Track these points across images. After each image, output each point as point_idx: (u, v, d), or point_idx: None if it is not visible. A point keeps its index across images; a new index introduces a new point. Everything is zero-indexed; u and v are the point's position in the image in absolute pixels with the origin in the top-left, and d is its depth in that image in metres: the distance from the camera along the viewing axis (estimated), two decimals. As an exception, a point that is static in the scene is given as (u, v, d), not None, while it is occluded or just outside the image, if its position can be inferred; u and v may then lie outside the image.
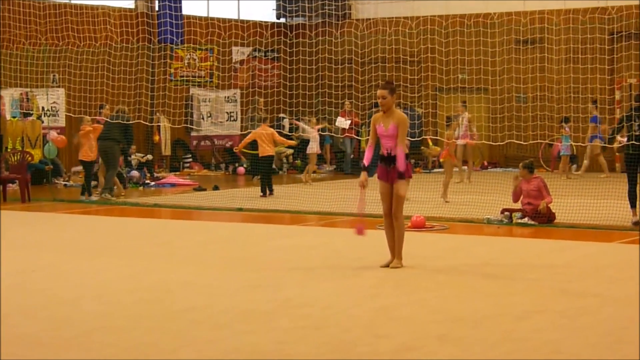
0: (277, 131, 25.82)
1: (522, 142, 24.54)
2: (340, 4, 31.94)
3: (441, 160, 20.58)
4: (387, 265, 11.49)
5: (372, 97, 27.96)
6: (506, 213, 16.42)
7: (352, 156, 29.57)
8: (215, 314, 9.13)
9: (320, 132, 26.21)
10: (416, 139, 24.91)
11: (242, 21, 31.68)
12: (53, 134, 24.86)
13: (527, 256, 12.90)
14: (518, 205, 16.53)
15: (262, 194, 21.78)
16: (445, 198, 19.64)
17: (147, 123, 27.46)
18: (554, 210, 16.30)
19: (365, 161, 11.62)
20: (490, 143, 26.04)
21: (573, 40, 27.04)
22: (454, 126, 22.92)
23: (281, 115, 30.67)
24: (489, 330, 8.39)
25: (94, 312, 9.27)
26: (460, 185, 23.10)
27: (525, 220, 16.19)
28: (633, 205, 15.93)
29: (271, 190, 21.95)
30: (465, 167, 24.88)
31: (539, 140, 26.50)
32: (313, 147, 25.58)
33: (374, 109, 26.75)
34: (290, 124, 30.41)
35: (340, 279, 10.85)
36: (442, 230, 15.67)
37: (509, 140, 25.08)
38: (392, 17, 30.35)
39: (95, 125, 21.62)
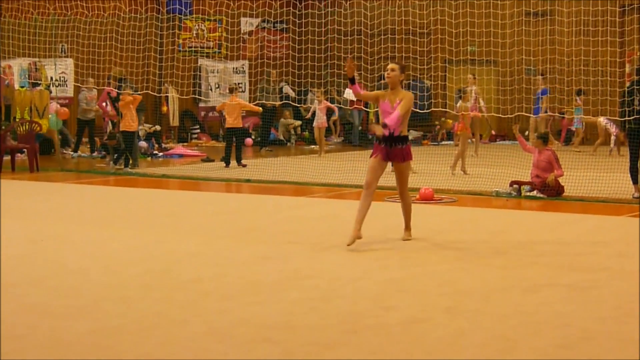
0: (284, 102, 25.87)
1: (531, 115, 24.46)
2: (349, -25, 31.77)
3: (458, 132, 20.46)
4: (352, 243, 10.88)
5: (382, 69, 27.84)
6: (515, 186, 16.38)
7: (360, 128, 29.53)
8: (224, 285, 9.12)
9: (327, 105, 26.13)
10: (425, 111, 24.84)
11: (251, -8, 31.55)
12: (54, 106, 24.84)
13: (535, 229, 12.87)
14: (527, 178, 16.49)
15: (225, 164, 22.05)
16: (453, 170, 19.58)
17: (155, 94, 27.40)
18: (562, 184, 16.26)
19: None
20: (500, 115, 25.96)
21: (583, 12, 26.91)
22: (467, 98, 22.73)
23: (282, 84, 30.57)
24: (497, 303, 8.37)
25: (102, 282, 9.28)
26: (468, 159, 23.02)
27: (534, 193, 16.15)
28: (635, 181, 15.90)
29: (234, 162, 22.14)
30: (472, 140, 24.79)
31: (549, 113, 26.38)
32: (319, 121, 25.52)
33: (382, 81, 26.70)
34: (293, 89, 30.43)
35: (348, 251, 10.83)
36: (450, 203, 15.64)
37: (518, 113, 24.98)
38: (402, -11, 30.18)
39: (135, 95, 21.58)
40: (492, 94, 27.62)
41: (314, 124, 25.74)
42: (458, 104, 21.77)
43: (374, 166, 11.24)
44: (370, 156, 11.31)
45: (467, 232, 12.52)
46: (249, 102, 22.96)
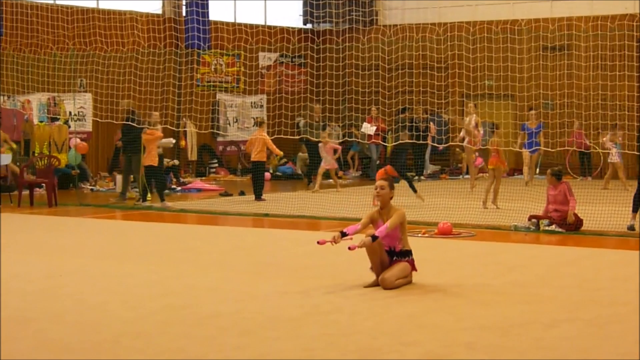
0: (302, 137, 25.88)
1: (549, 149, 24.44)
2: (367, 10, 31.94)
3: (490, 167, 20.31)
4: (373, 286, 10.72)
5: (399, 103, 27.97)
6: (533, 220, 16.34)
7: (378, 162, 29.53)
8: (243, 321, 9.10)
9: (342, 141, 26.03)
10: (443, 145, 24.87)
11: (269, 27, 31.72)
12: (75, 140, 24.98)
13: (554, 263, 12.82)
14: (540, 209, 16.44)
15: (256, 198, 22.20)
16: (496, 204, 19.48)
17: (173, 128, 27.49)
18: (581, 217, 16.22)
19: (348, 231, 10.88)
20: (517, 149, 25.93)
21: (601, 47, 26.92)
22: (499, 133, 22.31)
23: (298, 119, 30.66)
24: (517, 338, 8.33)
25: (121, 317, 9.27)
26: (468, 193, 22.96)
27: (553, 227, 16.11)
28: (635, 209, 15.91)
29: (259, 197, 22.20)
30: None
31: (566, 147, 26.36)
32: (326, 163, 24.81)
33: (400, 115, 26.73)
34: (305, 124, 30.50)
35: (366, 286, 10.78)
36: (469, 237, 15.60)
37: (536, 147, 24.98)
38: (419, 24, 30.30)
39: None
40: (509, 128, 27.59)
41: (322, 165, 24.87)
42: (491, 139, 21.70)
43: (373, 251, 10.75)
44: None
45: (485, 266, 12.47)
46: (269, 135, 22.86)
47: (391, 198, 11.05)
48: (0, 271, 11.72)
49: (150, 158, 20.97)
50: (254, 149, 22.43)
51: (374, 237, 10.68)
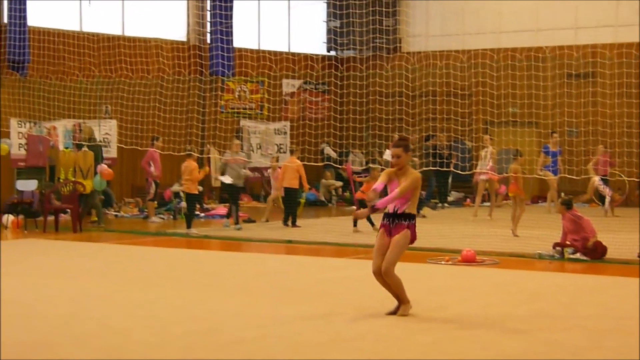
0: (326, 163, 25.88)
1: (573, 177, 24.35)
2: (390, 37, 32.01)
3: (510, 195, 20.28)
4: (394, 312, 10.65)
5: (423, 131, 28.01)
6: (558, 248, 16.29)
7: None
8: (266, 347, 9.11)
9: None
10: (467, 172, 24.84)
11: (293, 54, 31.84)
12: (101, 166, 25.11)
13: (579, 292, 12.77)
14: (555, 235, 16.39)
15: (284, 224, 22.33)
16: (515, 232, 19.43)
17: (197, 155, 27.57)
18: (605, 245, 16.16)
19: (379, 205, 10.63)
20: (542, 177, 25.87)
21: (626, 74, 26.85)
22: (520, 161, 22.23)
23: (322, 145, 30.73)
24: (542, 366, 8.30)
25: (145, 342, 9.29)
26: (489, 221, 22.91)
27: (577, 255, 16.05)
28: None
29: (294, 223, 22.29)
30: (488, 203, 24.68)
31: (590, 175, 26.26)
32: (273, 191, 24.63)
33: (424, 143, 26.76)
34: (334, 150, 30.54)
35: (389, 313, 10.76)
36: (492, 265, 15.56)
37: (561, 175, 24.91)
38: (443, 51, 30.37)
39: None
40: (533, 156, 27.53)
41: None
42: (507, 165, 21.63)
43: (379, 246, 10.60)
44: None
45: (510, 295, 12.44)
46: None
47: (409, 161, 10.91)
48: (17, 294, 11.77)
49: (189, 186, 21.10)
50: (287, 175, 22.54)
51: (374, 209, 10.60)
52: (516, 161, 20.63)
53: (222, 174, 22.27)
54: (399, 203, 10.62)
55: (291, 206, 22.61)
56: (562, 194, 18.88)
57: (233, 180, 22.02)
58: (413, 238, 10.67)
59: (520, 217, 19.65)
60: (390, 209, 10.69)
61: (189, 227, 20.83)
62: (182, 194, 25.19)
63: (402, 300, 10.67)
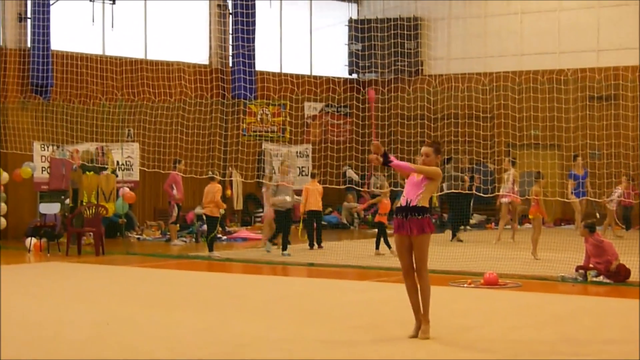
0: (348, 186, 25.89)
1: (596, 200, 24.30)
2: (412, 60, 32.05)
3: (530, 217, 20.26)
4: (415, 335, 10.57)
5: (445, 153, 27.94)
6: (581, 271, 16.22)
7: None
8: (289, 369, 9.10)
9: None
10: (489, 195, 24.78)
11: (315, 77, 31.92)
12: (124, 190, 25.26)
13: (603, 315, 12.71)
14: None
15: (309, 247, 22.42)
16: (535, 255, 19.37)
17: (219, 177, 27.64)
18: (629, 267, 16.08)
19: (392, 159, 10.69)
20: (564, 200, 25.79)
21: (648, 97, 26.79)
22: (541, 183, 22.18)
23: (344, 168, 30.78)
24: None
25: (168, 365, 9.31)
26: (511, 243, 22.84)
27: (600, 278, 15.98)
28: None
29: (319, 244, 22.47)
30: (510, 226, 24.60)
31: (614, 197, 26.15)
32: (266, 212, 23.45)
33: (445, 165, 26.71)
34: (356, 173, 30.54)
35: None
36: (515, 288, 15.50)
37: (583, 197, 24.84)
38: (465, 74, 30.40)
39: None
40: (556, 178, 27.47)
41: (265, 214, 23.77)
42: (529, 188, 21.51)
43: (400, 246, 10.69)
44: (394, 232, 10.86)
45: (533, 318, 12.39)
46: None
47: (437, 164, 10.85)
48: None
49: (211, 208, 21.16)
50: (311, 199, 22.60)
51: (387, 160, 10.57)
52: (537, 183, 20.57)
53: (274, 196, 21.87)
54: (412, 196, 10.59)
55: (317, 228, 22.71)
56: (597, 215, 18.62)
57: (282, 204, 21.53)
58: (431, 230, 10.66)
59: (537, 240, 19.58)
60: (403, 202, 10.67)
61: (210, 250, 20.86)
62: (204, 217, 25.27)
63: (424, 314, 10.60)
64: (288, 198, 21.52)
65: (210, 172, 22.68)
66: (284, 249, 20.95)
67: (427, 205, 10.70)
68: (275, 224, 21.82)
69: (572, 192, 25.83)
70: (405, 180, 10.84)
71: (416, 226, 10.54)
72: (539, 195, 20.11)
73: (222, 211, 22.58)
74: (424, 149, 10.81)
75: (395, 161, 10.67)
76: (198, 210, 25.53)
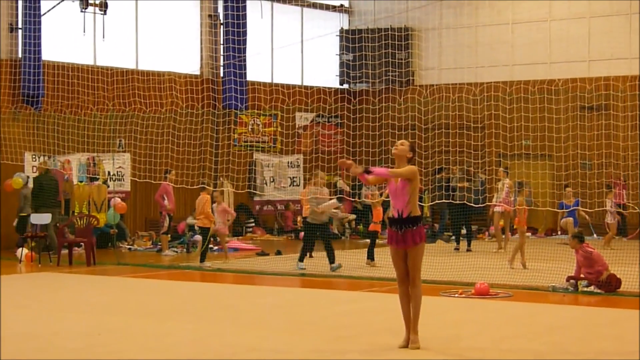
0: (339, 196, 25.79)
1: (587, 210, 24.33)
2: (403, 70, 32.11)
3: (515, 226, 20.34)
4: (406, 345, 10.55)
5: (436, 163, 28.00)
6: (572, 281, 16.24)
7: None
8: (281, 380, 9.10)
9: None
10: (480, 205, 24.80)
11: (306, 87, 31.93)
12: (115, 200, 25.24)
13: (594, 325, 12.73)
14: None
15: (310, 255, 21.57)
16: (511, 264, 19.41)
17: (210, 188, 27.60)
18: (620, 277, 16.11)
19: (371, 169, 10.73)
20: (555, 210, 25.83)
21: (640, 106, 26.86)
22: (524, 192, 22.37)
23: (335, 178, 30.83)
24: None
25: (160, 376, 9.31)
26: (498, 253, 22.88)
27: (592, 288, 16.00)
28: None
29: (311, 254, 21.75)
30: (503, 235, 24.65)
31: (605, 208, 26.20)
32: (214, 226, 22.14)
33: (437, 175, 26.75)
34: (347, 184, 30.54)
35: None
36: (506, 298, 15.52)
37: (574, 208, 24.89)
38: (456, 84, 30.45)
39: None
40: (547, 188, 27.51)
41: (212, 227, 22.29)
42: (500, 199, 21.58)
43: (395, 257, 10.68)
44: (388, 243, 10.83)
45: (524, 327, 12.40)
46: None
47: (409, 160, 10.77)
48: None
49: (202, 220, 21.12)
50: (306, 206, 22.35)
51: (367, 170, 10.54)
52: (520, 193, 20.72)
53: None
54: (401, 206, 10.55)
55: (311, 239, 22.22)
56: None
57: (316, 217, 20.70)
58: (423, 238, 10.66)
59: (518, 249, 19.62)
60: (394, 213, 10.64)
61: (202, 260, 20.84)
62: (196, 228, 25.23)
63: (414, 323, 10.58)
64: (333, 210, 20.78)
65: (202, 182, 22.61)
66: (332, 262, 19.95)
67: (419, 213, 10.67)
68: (306, 237, 21.09)
69: (563, 217, 25.90)
70: (390, 189, 10.72)
71: (411, 237, 10.55)
72: (522, 205, 20.24)
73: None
74: (401, 140, 10.90)
75: (375, 170, 10.66)
76: (190, 220, 25.52)
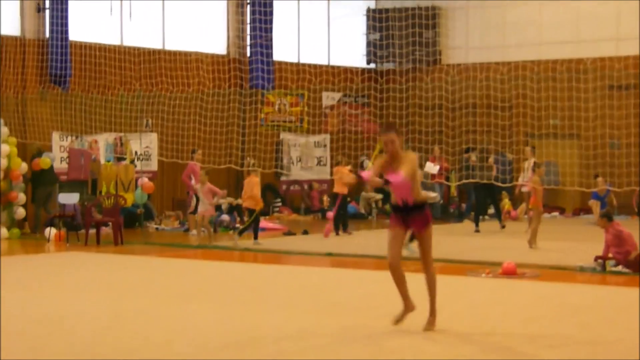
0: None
1: (615, 189, 24.21)
2: (430, 49, 31.99)
3: (530, 206, 20.22)
4: (401, 319, 10.50)
5: (463, 143, 27.92)
6: (599, 261, 16.16)
7: (441, 202, 29.43)
8: (307, 360, 9.11)
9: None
10: (507, 184, 24.71)
11: (333, 67, 31.89)
12: (143, 180, 25.31)
13: (621, 305, 12.66)
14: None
15: (336, 232, 22.59)
16: (531, 245, 19.32)
17: (237, 167, 27.68)
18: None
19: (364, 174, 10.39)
20: (583, 189, 25.71)
21: (669, 85, 26.68)
22: (540, 172, 22.20)
23: (362, 158, 30.78)
24: (584, 380, 8.23)
25: (185, 354, 9.32)
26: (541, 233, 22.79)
27: (619, 268, 15.92)
28: None
29: (345, 229, 22.76)
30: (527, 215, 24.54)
31: (632, 187, 26.07)
32: (200, 209, 22.24)
33: (464, 155, 26.65)
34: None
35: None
36: (533, 278, 15.46)
37: (602, 187, 24.76)
38: (483, 63, 30.30)
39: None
40: (575, 168, 27.40)
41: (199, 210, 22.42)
42: (526, 178, 21.40)
43: (394, 240, 10.49)
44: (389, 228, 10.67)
45: (551, 308, 12.35)
46: (329, 176, 23.22)
47: (401, 144, 10.44)
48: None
49: (249, 201, 21.51)
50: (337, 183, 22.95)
51: (387, 182, 10.21)
52: (535, 173, 20.54)
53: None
54: (404, 194, 10.37)
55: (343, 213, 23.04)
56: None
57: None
58: (430, 220, 10.56)
59: (536, 230, 19.51)
60: (399, 201, 10.46)
61: (255, 237, 21.28)
62: (223, 206, 25.29)
63: (432, 304, 10.54)
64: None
65: (250, 164, 22.65)
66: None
67: (423, 197, 10.56)
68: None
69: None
70: (390, 180, 10.27)
71: (421, 222, 10.45)
72: (537, 185, 20.05)
73: (239, 201, 22.45)
74: (386, 136, 10.32)
75: (393, 180, 10.22)
76: (216, 200, 25.59)
